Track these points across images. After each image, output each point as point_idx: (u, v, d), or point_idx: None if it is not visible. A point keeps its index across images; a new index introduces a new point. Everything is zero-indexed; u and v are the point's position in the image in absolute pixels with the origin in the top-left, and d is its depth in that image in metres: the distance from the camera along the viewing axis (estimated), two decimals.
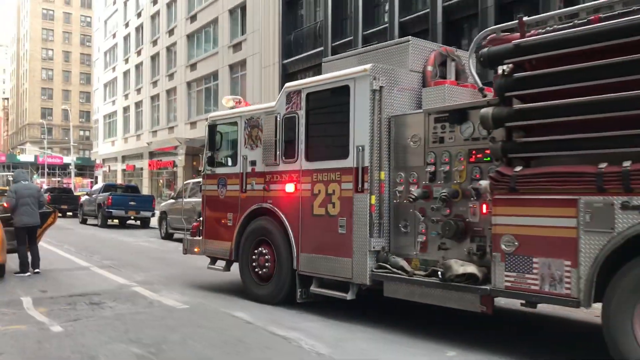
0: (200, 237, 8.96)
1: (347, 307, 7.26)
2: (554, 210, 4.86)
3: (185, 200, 17.86)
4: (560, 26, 5.23)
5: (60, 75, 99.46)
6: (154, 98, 43.18)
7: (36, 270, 10.61)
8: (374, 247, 6.37)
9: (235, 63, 31.68)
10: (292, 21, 27.09)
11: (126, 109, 49.31)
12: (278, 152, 7.63)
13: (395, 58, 7.09)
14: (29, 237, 10.62)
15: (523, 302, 5.37)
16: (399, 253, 6.38)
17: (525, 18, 5.23)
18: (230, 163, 8.80)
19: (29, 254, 10.61)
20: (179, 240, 15.00)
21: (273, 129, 7.68)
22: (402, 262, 6.21)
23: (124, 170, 49.39)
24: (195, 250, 9.06)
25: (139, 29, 46.53)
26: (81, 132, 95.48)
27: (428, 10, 18.75)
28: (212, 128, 8.97)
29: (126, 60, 49.31)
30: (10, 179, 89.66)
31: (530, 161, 5.18)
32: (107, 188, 27.78)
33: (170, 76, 40.06)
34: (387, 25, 20.54)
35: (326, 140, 7.46)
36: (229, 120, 8.73)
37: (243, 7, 31.00)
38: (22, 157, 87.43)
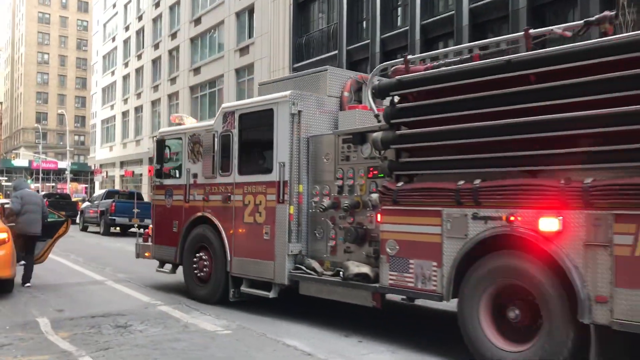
0: (151, 243, 9.87)
1: (415, 337, 6.56)
2: (425, 219, 5.80)
3: None
4: (451, 60, 6.33)
5: (56, 79, 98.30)
6: (155, 103, 42.26)
7: (27, 284, 9.75)
8: (292, 251, 7.30)
9: (242, 67, 30.83)
10: (303, 24, 26.29)
11: (125, 114, 48.33)
12: (216, 166, 8.55)
13: (317, 84, 8.04)
14: (26, 247, 9.76)
15: (404, 297, 6.88)
16: (313, 256, 7.34)
17: (409, 56, 6.53)
18: (177, 175, 9.59)
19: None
20: None
21: (211, 145, 8.59)
22: (315, 264, 7.15)
23: (122, 176, 48.35)
24: (146, 254, 9.90)
25: (140, 32, 45.66)
26: (76, 137, 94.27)
27: (453, 12, 17.97)
28: (160, 143, 9.82)
29: (126, 64, 48.39)
30: (4, 184, 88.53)
31: (414, 177, 6.12)
32: (109, 194, 26.81)
33: (173, 80, 39.17)
34: (407, 28, 19.76)
35: (255, 156, 8.41)
36: (175, 136, 9.56)
37: (251, 10, 30.20)
38: (16, 162, 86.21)
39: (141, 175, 43.95)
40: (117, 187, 46.88)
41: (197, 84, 35.96)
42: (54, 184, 74.62)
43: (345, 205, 6.90)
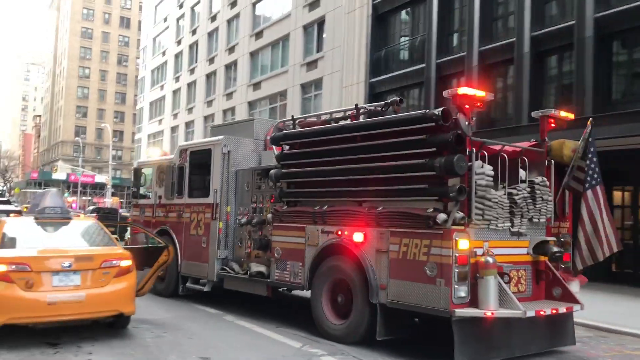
0: None
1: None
2: (296, 232, 8.41)
3: None
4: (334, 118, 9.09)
5: (96, 94, 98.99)
6: (208, 118, 41.22)
7: None
8: (220, 256, 10.02)
9: (309, 82, 29.50)
10: (381, 37, 24.86)
11: (174, 129, 47.44)
12: (174, 191, 11.37)
13: (249, 129, 10.85)
14: None
15: (285, 288, 9.80)
16: (236, 260, 9.94)
17: (296, 116, 9.88)
18: (148, 196, 12.45)
19: None
20: None
21: (171, 174, 11.44)
22: (235, 266, 9.84)
23: None
24: None
25: (193, 46, 44.87)
26: (113, 152, 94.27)
27: (574, 22, 16.34)
28: (137, 171, 13.14)
29: (177, 79, 47.62)
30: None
31: (294, 203, 8.77)
32: None
33: (229, 95, 38.07)
34: (513, 39, 18.14)
35: (199, 184, 10.94)
36: (148, 166, 12.73)
37: (320, 23, 28.94)
38: (55, 175, 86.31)
39: None
40: None
41: (256, 99, 34.74)
42: (90, 198, 74.18)
43: (255, 222, 9.59)
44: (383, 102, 8.45)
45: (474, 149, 6.77)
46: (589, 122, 7.68)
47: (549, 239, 7.59)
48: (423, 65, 21.98)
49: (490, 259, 6.53)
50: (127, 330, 8.07)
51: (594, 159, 7.48)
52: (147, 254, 8.81)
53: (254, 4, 35.83)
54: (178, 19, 48.48)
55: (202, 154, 10.85)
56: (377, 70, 24.65)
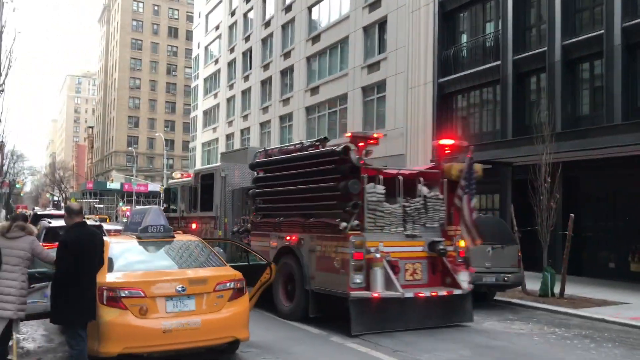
0: None
1: None
2: (265, 239, 11.27)
3: None
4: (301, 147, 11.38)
5: (147, 103, 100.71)
6: (264, 125, 40.92)
7: None
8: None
9: (371, 85, 28.72)
10: (449, 35, 23.91)
11: (229, 136, 47.40)
12: (191, 206, 14.77)
13: (245, 156, 13.93)
14: None
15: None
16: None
17: (268, 148, 12.89)
18: (177, 211, 15.55)
19: None
20: None
21: (189, 193, 14.95)
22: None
23: None
24: None
25: (247, 53, 44.71)
26: (164, 161, 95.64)
27: None
28: (167, 190, 17.16)
29: (230, 87, 47.59)
30: (97, 206, 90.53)
31: (266, 215, 11.64)
32: None
33: (285, 101, 37.65)
34: (602, 31, 16.97)
35: (206, 200, 14.00)
36: (174, 186, 16.31)
37: (382, 24, 28.13)
38: (110, 185, 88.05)
39: None
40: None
41: (314, 104, 34.16)
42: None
43: (242, 230, 12.44)
44: (315, 139, 11.32)
45: (366, 175, 9.36)
46: (470, 150, 10.21)
47: (440, 239, 9.87)
48: (498, 62, 20.92)
49: (377, 255, 9.05)
50: (237, 356, 7.49)
51: (472, 176, 9.89)
52: (250, 272, 8.23)
53: (309, 8, 35.31)
54: (230, 27, 48.48)
55: (208, 177, 14.19)
56: (446, 70, 23.69)
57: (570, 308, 11.92)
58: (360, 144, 9.39)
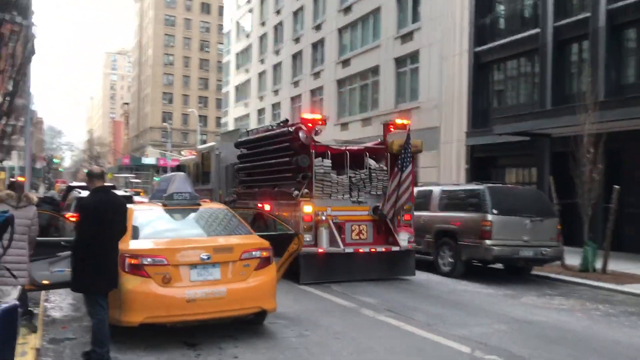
0: None
1: None
2: (246, 206, 12.83)
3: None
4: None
5: (180, 80, 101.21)
6: (295, 99, 40.56)
7: None
8: None
9: (404, 55, 28.02)
10: (486, 2, 23.02)
11: (261, 111, 47.22)
12: (197, 180, 16.65)
13: (236, 136, 15.58)
14: None
15: None
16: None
17: (250, 129, 15.93)
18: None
19: None
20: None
21: (195, 168, 17.44)
22: None
23: None
24: None
25: (278, 27, 44.22)
26: (198, 137, 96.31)
27: None
28: (180, 166, 19.52)
29: (262, 61, 47.25)
30: (133, 180, 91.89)
31: (247, 187, 13.76)
32: None
33: (316, 75, 37.16)
34: None
35: (206, 175, 16.48)
36: (184, 163, 19.44)
37: None
38: (146, 160, 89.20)
39: None
40: None
41: (345, 77, 33.62)
42: None
43: (230, 200, 13.82)
44: (279, 121, 14.17)
45: (314, 151, 10.98)
46: (408, 127, 11.67)
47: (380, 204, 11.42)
48: (537, 30, 20.06)
49: (323, 217, 10.70)
50: (265, 328, 7.29)
51: (408, 151, 11.03)
52: (277, 242, 7.97)
53: None
54: (262, 0, 47.95)
55: (207, 154, 16.63)
56: (483, 39, 22.88)
57: (613, 284, 11.39)
58: (309, 125, 10.97)
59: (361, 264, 11.15)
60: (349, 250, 10.84)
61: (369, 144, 12.45)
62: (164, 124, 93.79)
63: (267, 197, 12.26)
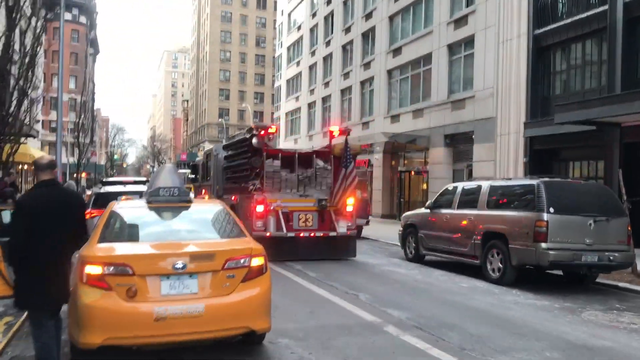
0: None
1: None
2: (229, 199, 15.33)
3: (452, 212, 12.80)
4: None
5: (237, 76, 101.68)
6: (345, 91, 39.23)
7: None
8: None
9: (458, 41, 26.21)
10: None
11: (311, 105, 46.14)
12: (203, 177, 20.13)
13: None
14: None
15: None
16: None
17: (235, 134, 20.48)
18: (198, 180, 21.60)
19: None
20: (436, 265, 13.53)
21: (202, 167, 20.59)
22: None
23: None
24: None
25: (329, 17, 42.98)
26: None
27: None
28: (193, 166, 23.12)
29: (312, 53, 46.15)
30: (191, 176, 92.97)
31: (231, 183, 16.20)
32: None
33: (366, 65, 35.70)
34: None
35: (208, 172, 19.26)
36: (197, 163, 22.55)
37: None
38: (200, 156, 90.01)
39: None
40: None
41: (396, 66, 32.02)
42: None
43: (219, 196, 16.38)
44: (247, 129, 15.02)
45: (265, 153, 13.52)
46: (347, 133, 13.98)
47: (324, 198, 13.66)
48: (605, 7, 17.97)
49: (271, 208, 13.14)
50: (262, 349, 6.10)
51: (348, 153, 13.59)
52: None
53: None
54: None
55: (209, 155, 18.88)
56: (543, 20, 20.88)
57: None
58: (262, 132, 13.40)
59: (306, 246, 13.30)
60: (291, 234, 13.14)
61: (318, 148, 15.13)
62: (220, 120, 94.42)
63: (236, 191, 14.99)
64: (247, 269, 5.58)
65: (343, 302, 8.72)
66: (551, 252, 10.03)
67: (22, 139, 25.46)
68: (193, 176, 22.50)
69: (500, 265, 10.95)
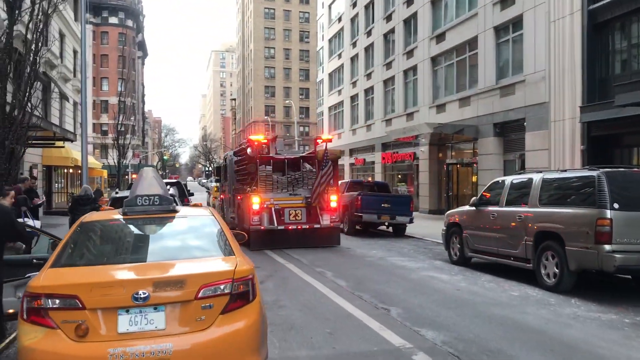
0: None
1: None
2: (238, 198, 17.94)
3: (499, 209, 11.38)
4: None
5: (281, 72, 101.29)
6: (387, 82, 37.74)
7: None
8: (231, 216, 19.00)
9: (505, 23, 24.40)
10: None
11: (354, 98, 44.81)
12: (223, 179, 22.40)
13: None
14: None
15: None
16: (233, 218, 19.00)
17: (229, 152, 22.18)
18: (220, 181, 24.35)
19: None
20: (484, 268, 12.26)
21: (222, 170, 22.81)
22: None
23: (352, 165, 45.05)
24: None
25: (369, 5, 41.51)
26: (301, 128, 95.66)
27: None
28: (217, 168, 25.92)
29: (354, 44, 44.77)
30: (216, 177, 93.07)
31: (239, 185, 18.32)
32: (352, 186, 22.65)
33: (409, 53, 34.12)
34: None
35: (225, 174, 21.09)
36: (218, 165, 25.30)
37: None
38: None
39: (373, 163, 39.93)
40: (347, 177, 43.66)
41: (440, 52, 30.34)
42: None
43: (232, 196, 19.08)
44: (244, 141, 18.79)
45: (258, 159, 15.89)
46: (326, 140, 16.37)
47: (310, 195, 15.94)
48: None
49: (265, 205, 15.39)
50: None
51: (325, 157, 15.80)
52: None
53: None
54: None
55: (229, 159, 19.67)
56: None
57: None
58: (255, 144, 15.86)
59: (295, 237, 15.77)
60: (281, 227, 15.48)
61: (304, 154, 17.69)
62: (266, 117, 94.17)
63: (241, 192, 17.37)
64: (229, 297, 4.46)
65: (370, 320, 7.52)
66: (617, 255, 8.53)
67: (59, 143, 25.23)
68: (217, 177, 25.62)
69: (556, 270, 9.50)
